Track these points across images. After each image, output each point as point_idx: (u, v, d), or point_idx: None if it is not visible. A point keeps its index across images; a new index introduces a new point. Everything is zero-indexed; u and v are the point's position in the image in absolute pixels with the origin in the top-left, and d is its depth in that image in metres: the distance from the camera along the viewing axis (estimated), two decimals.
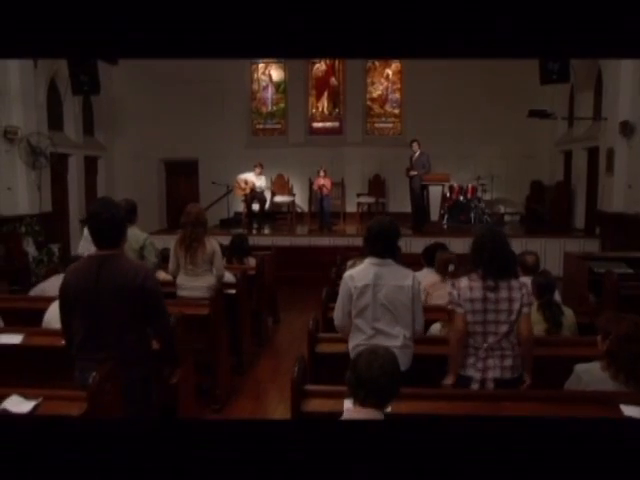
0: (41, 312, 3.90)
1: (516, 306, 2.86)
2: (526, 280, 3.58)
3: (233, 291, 5.00)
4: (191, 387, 3.78)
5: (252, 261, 6.20)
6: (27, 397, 2.57)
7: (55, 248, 9.68)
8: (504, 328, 2.87)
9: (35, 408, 2.53)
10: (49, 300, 3.90)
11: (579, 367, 2.79)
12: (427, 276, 4.49)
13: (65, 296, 2.81)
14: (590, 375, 2.71)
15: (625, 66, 8.98)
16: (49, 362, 3.23)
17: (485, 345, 2.88)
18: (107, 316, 2.71)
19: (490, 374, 2.87)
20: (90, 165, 12.47)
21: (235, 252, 6.03)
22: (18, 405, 2.53)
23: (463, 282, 2.93)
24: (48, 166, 10.03)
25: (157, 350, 3.00)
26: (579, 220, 11.16)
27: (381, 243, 3.10)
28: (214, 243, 4.75)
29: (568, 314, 3.88)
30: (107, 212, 2.78)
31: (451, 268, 4.30)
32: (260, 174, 11.16)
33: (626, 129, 8.98)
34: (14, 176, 9.57)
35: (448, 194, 11.75)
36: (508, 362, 2.89)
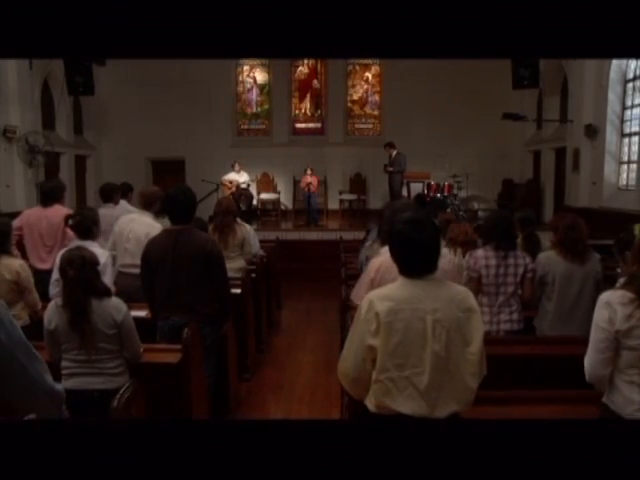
0: None
1: (520, 270, 3.57)
2: None
3: (253, 275, 5.52)
4: (235, 359, 4.32)
5: (260, 251, 6.66)
6: None
7: None
8: (511, 288, 3.58)
9: None
10: None
11: (541, 255, 3.64)
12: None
13: (147, 262, 3.37)
14: (548, 259, 3.53)
15: (588, 72, 9.76)
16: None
17: (497, 302, 3.57)
18: (183, 277, 3.28)
19: (502, 327, 3.56)
20: (80, 164, 12.73)
21: None
22: None
23: (480, 252, 3.62)
24: (43, 164, 10.31)
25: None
26: (548, 215, 11.93)
27: None
28: (244, 230, 5.14)
29: (547, 247, 4.43)
30: (182, 195, 3.37)
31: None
32: (240, 170, 11.62)
33: (590, 131, 9.80)
34: (12, 174, 9.84)
35: (426, 191, 12.44)
36: (515, 316, 3.60)
